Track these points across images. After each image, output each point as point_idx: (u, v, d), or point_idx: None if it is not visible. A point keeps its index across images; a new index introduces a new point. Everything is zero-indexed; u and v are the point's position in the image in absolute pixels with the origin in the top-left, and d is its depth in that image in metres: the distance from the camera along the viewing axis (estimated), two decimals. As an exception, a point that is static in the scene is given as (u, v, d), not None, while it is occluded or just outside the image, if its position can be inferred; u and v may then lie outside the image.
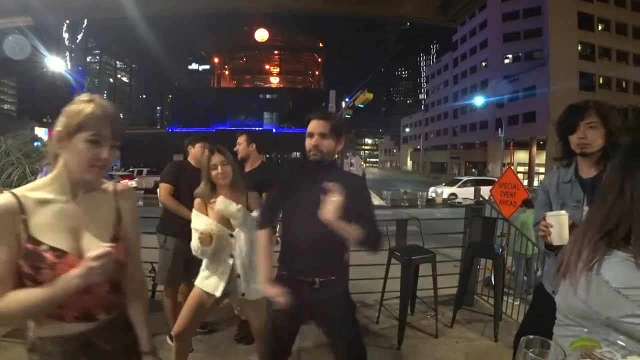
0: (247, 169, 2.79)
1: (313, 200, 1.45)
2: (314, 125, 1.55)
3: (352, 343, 1.62)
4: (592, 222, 0.84)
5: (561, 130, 1.61)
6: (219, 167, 1.87)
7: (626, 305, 0.74)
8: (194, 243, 1.84)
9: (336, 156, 1.65)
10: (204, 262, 1.97)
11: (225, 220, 1.89)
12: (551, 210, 1.64)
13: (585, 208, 1.54)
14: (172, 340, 2.40)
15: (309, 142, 1.56)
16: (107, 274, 0.87)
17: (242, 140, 2.81)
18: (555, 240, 1.47)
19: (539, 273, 4.87)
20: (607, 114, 1.51)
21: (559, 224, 1.44)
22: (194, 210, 1.94)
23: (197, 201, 1.96)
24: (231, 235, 1.88)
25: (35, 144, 3.19)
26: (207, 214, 1.92)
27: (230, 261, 1.89)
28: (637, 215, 0.77)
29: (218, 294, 1.88)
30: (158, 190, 2.65)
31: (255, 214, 1.92)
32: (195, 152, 2.69)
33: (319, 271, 1.51)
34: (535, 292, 1.85)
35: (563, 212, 1.46)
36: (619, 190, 0.79)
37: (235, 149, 2.76)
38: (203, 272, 1.97)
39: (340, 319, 1.59)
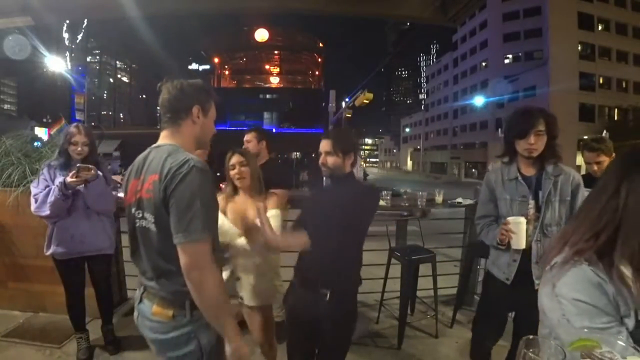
0: None
1: (325, 212, 1.50)
2: (321, 145, 1.62)
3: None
4: (583, 220, 0.85)
5: (512, 134, 1.73)
6: (237, 168, 1.89)
7: (557, 309, 0.79)
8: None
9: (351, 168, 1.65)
10: None
11: (238, 220, 1.88)
12: (495, 205, 1.83)
13: (531, 202, 1.70)
14: None
15: (319, 160, 1.64)
16: None
17: (251, 137, 2.73)
18: (515, 244, 1.64)
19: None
20: (552, 123, 1.67)
21: (519, 230, 1.62)
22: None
23: (220, 198, 1.93)
24: (240, 235, 1.84)
25: (35, 144, 3.17)
26: (225, 212, 1.91)
27: (233, 261, 1.87)
28: (627, 218, 0.77)
29: None
30: None
31: (272, 212, 1.87)
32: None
33: (329, 284, 1.50)
34: (484, 281, 2.01)
35: (522, 218, 1.63)
36: (613, 192, 0.80)
37: (244, 147, 2.70)
38: None
39: (335, 333, 1.57)
